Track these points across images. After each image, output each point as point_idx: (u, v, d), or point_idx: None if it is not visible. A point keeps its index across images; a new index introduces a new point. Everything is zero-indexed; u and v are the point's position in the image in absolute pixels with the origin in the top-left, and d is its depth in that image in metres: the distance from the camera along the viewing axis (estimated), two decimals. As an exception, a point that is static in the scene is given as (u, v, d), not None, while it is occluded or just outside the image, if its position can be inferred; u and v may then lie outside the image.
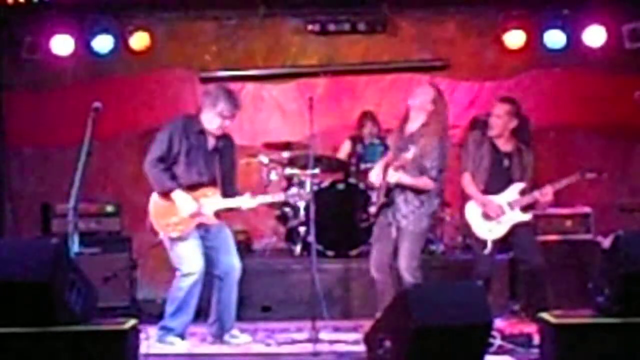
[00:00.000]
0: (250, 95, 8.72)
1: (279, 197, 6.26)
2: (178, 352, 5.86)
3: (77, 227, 5.51)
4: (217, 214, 6.03)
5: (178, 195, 5.90)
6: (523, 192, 6.34)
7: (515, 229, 6.34)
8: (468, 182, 6.45)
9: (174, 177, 5.94)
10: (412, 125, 6.11)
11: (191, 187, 5.96)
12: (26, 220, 8.29)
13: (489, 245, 6.33)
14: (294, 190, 6.27)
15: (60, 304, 4.52)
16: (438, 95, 6.16)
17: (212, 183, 6.01)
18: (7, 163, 8.53)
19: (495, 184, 6.39)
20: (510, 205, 6.32)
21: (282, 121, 8.67)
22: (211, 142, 6.07)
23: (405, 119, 6.21)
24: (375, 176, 6.21)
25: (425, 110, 6.07)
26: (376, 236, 6.25)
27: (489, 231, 6.36)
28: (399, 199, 6.04)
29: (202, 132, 6.03)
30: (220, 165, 6.06)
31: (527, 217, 6.34)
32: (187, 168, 5.96)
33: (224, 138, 6.15)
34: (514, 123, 6.43)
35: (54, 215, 7.36)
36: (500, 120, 6.41)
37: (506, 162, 6.40)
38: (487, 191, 6.39)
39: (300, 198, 6.38)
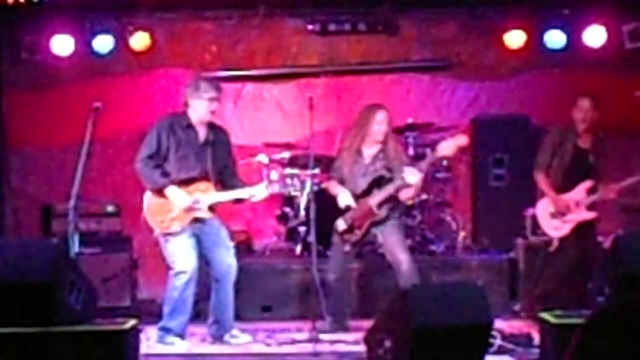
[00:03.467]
0: (250, 95, 8.71)
1: (272, 189, 6.14)
2: (178, 352, 5.87)
3: (77, 227, 5.52)
4: (212, 208, 6.02)
5: (171, 190, 5.89)
6: (590, 191, 6.42)
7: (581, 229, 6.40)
8: (542, 180, 6.50)
9: (165, 174, 5.93)
10: None
11: (184, 182, 5.95)
12: (26, 220, 8.28)
13: (555, 243, 6.38)
14: (288, 181, 6.21)
15: (60, 304, 4.52)
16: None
17: (204, 177, 6.00)
18: (7, 163, 8.51)
19: (571, 181, 6.46)
20: (577, 203, 6.39)
21: (282, 121, 8.66)
22: (201, 136, 6.03)
23: None
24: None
25: None
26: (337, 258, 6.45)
27: (555, 229, 6.43)
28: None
29: (190, 126, 6.01)
30: (214, 158, 6.03)
31: (591, 215, 6.42)
32: (178, 164, 5.95)
33: (215, 130, 6.12)
34: (596, 116, 6.50)
35: (54, 215, 7.34)
36: (583, 115, 6.47)
37: (589, 159, 6.48)
38: (561, 189, 6.46)
39: (295, 189, 6.32)
